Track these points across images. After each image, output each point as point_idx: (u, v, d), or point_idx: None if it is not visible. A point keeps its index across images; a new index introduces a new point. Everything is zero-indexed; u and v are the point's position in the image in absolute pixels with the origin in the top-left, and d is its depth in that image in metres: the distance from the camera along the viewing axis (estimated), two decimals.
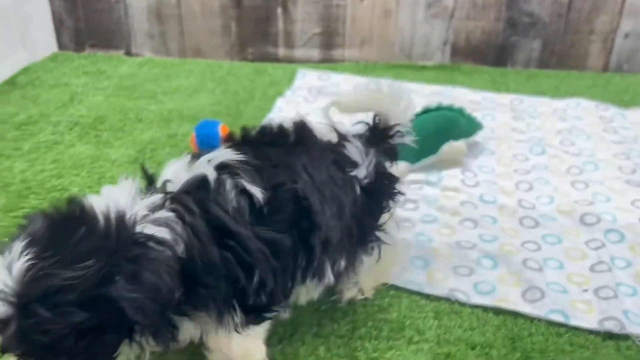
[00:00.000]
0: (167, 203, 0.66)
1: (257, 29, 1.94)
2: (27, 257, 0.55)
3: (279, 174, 0.72)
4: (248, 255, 0.67)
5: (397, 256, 0.97)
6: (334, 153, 0.80)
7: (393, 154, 0.90)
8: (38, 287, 0.55)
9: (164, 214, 0.65)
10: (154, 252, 0.61)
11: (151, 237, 0.62)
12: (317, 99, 1.65)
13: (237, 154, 0.73)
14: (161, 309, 0.60)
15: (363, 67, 1.89)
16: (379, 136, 0.88)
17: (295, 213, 0.72)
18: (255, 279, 0.68)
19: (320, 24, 1.91)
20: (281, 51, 1.96)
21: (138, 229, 0.62)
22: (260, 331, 0.76)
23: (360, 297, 0.92)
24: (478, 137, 1.39)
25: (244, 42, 1.96)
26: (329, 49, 1.94)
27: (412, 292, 0.95)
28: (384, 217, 0.87)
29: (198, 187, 0.69)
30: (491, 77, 1.82)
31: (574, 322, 0.89)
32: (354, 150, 0.82)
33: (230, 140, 0.78)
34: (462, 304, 0.93)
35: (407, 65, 1.90)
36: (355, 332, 0.87)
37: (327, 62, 1.95)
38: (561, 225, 1.12)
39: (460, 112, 1.36)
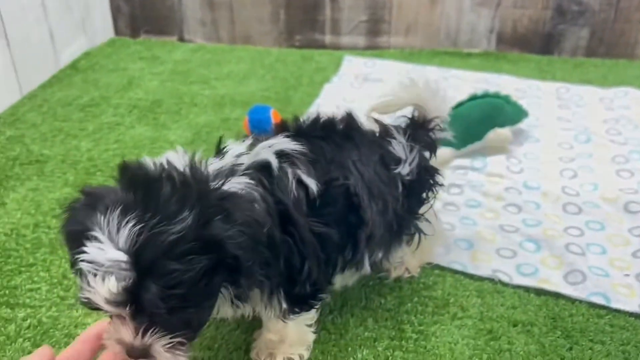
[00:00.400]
0: (240, 171, 0.68)
1: (305, 16, 1.99)
2: (132, 223, 0.56)
3: (332, 169, 0.75)
4: (303, 245, 0.69)
5: (438, 238, 1.01)
6: (380, 149, 0.83)
7: (433, 148, 0.92)
8: (158, 245, 0.55)
9: (241, 179, 0.67)
10: (238, 194, 0.64)
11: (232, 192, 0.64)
12: (363, 86, 1.69)
13: (295, 144, 0.74)
14: (254, 243, 0.61)
15: (408, 54, 1.92)
16: (419, 130, 0.90)
17: (345, 208, 0.75)
18: (305, 268, 0.70)
19: (366, 11, 1.94)
20: (328, 38, 2.00)
21: (215, 184, 0.64)
22: (311, 316, 0.79)
23: (407, 275, 0.97)
24: (523, 124, 1.41)
25: (292, 29, 2.01)
26: (375, 36, 1.98)
27: (456, 272, 1.00)
28: (424, 208, 0.91)
29: (261, 169, 0.70)
30: (537, 66, 1.82)
31: (615, 305, 0.91)
32: (398, 147, 0.85)
33: (283, 129, 0.80)
34: (505, 284, 0.97)
35: (452, 53, 1.92)
36: (402, 307, 0.92)
37: (372, 49, 1.98)
38: (604, 212, 1.14)
39: (506, 99, 1.38)
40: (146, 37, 2.11)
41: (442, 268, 1.00)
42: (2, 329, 0.84)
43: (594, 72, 1.76)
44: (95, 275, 0.55)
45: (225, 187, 0.64)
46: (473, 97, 1.36)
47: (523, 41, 1.89)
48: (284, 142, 0.74)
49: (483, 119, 1.33)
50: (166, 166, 0.64)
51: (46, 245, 1.02)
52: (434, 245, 1.01)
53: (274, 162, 0.70)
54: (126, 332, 0.59)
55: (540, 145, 1.38)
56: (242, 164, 0.70)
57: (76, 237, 0.58)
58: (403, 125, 0.91)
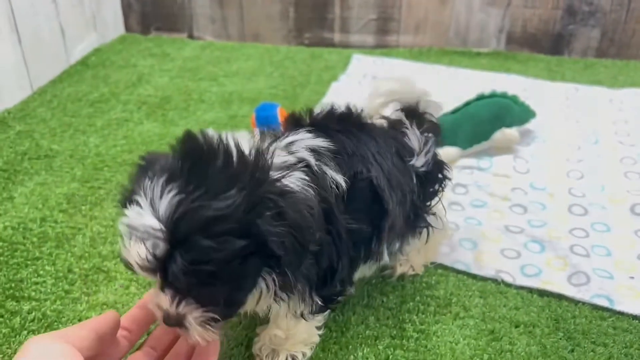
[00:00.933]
0: (298, 165, 0.67)
1: (314, 14, 1.99)
2: (173, 192, 0.56)
3: (354, 162, 0.74)
4: (340, 244, 0.69)
5: (444, 235, 1.01)
6: (395, 141, 0.84)
7: (437, 130, 0.93)
8: (195, 219, 0.55)
9: (298, 174, 0.65)
10: (297, 192, 0.62)
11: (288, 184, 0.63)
12: (371, 84, 1.69)
13: (321, 140, 0.73)
14: (302, 248, 0.60)
15: (417, 53, 1.91)
16: (417, 116, 0.91)
17: (370, 201, 0.75)
18: (340, 266, 0.70)
19: (376, 10, 1.94)
20: (337, 36, 2.01)
21: (276, 175, 0.62)
22: (321, 318, 0.80)
23: (411, 272, 0.98)
24: (531, 125, 1.40)
25: (301, 27, 2.01)
26: (384, 34, 1.97)
27: (459, 272, 0.99)
28: (434, 201, 0.92)
29: (305, 167, 0.68)
30: (547, 66, 1.81)
31: (618, 307, 0.91)
32: (413, 137, 0.86)
33: (297, 121, 0.79)
34: (508, 285, 0.96)
35: (461, 52, 1.92)
36: (404, 306, 0.92)
37: (381, 47, 1.98)
38: (611, 214, 1.13)
39: (514, 99, 1.37)
40: (156, 34, 2.12)
41: (446, 267, 1.00)
42: (8, 321, 0.86)
43: (604, 73, 1.75)
44: (130, 238, 0.56)
45: (285, 181, 0.63)
46: (481, 97, 1.36)
47: (533, 41, 1.88)
48: (309, 139, 0.73)
49: (490, 119, 1.33)
50: (230, 142, 0.62)
51: (52, 239, 1.04)
52: (440, 243, 1.01)
53: (312, 160, 0.69)
54: (163, 299, 0.61)
55: (548, 146, 1.38)
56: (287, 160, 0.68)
57: (125, 199, 0.60)
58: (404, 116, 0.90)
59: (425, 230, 0.92)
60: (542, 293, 0.95)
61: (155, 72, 1.78)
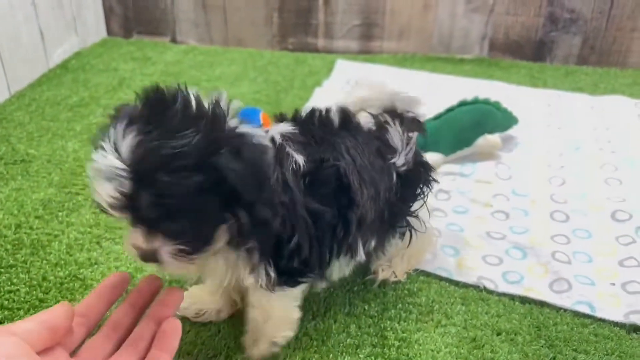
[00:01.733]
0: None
1: (298, 20, 1.98)
2: (132, 134, 0.60)
3: (322, 150, 0.77)
4: (294, 217, 0.71)
5: (428, 243, 1.01)
6: (377, 141, 0.85)
7: (419, 125, 0.93)
8: (154, 157, 0.59)
9: (257, 131, 0.69)
10: (253, 139, 0.66)
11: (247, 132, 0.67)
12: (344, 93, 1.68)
13: (291, 127, 0.78)
14: (259, 186, 0.65)
15: (401, 59, 1.92)
16: (399, 115, 0.91)
17: (335, 189, 0.76)
18: (293, 241, 0.72)
19: (359, 15, 1.94)
20: (321, 42, 2.00)
21: (232, 123, 0.66)
22: (296, 294, 0.80)
23: (393, 278, 0.97)
24: (513, 131, 1.41)
25: (285, 32, 2.01)
26: (368, 40, 1.97)
27: (441, 279, 0.99)
28: (417, 204, 0.92)
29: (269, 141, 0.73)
30: (529, 72, 1.82)
31: (599, 314, 0.91)
32: (395, 135, 0.87)
33: (278, 118, 0.83)
34: (490, 292, 0.96)
35: (444, 58, 1.92)
36: (385, 313, 0.91)
37: (365, 53, 1.98)
38: (592, 221, 1.13)
39: (496, 105, 1.37)
40: (139, 38, 2.10)
41: (428, 274, 1.00)
42: None
43: (585, 80, 1.76)
44: (98, 180, 0.61)
45: (240, 129, 0.66)
46: (463, 103, 1.36)
47: (515, 48, 1.89)
48: (282, 126, 0.78)
49: (473, 125, 1.33)
50: (190, 94, 0.66)
51: (27, 246, 1.01)
52: (424, 250, 1.01)
53: (278, 137, 0.74)
54: (136, 237, 0.64)
55: (530, 152, 1.38)
56: None
57: (94, 146, 0.63)
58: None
59: (407, 233, 0.92)
60: (523, 300, 0.94)
61: (136, 76, 1.76)
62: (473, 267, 1.01)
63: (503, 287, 0.96)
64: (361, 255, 0.84)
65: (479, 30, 1.89)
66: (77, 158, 1.30)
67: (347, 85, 1.71)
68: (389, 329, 0.88)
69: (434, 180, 0.93)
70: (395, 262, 0.97)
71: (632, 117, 1.52)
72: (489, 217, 1.15)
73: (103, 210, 0.64)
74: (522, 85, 1.71)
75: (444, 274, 0.99)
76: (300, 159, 0.73)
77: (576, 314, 0.91)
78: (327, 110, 0.84)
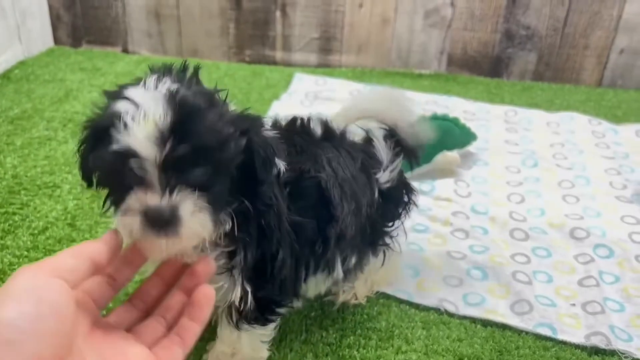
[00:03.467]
0: None
1: (255, 31, 1.94)
2: (169, 83, 0.59)
3: (302, 160, 0.74)
4: (279, 231, 0.69)
5: (394, 267, 0.98)
6: (362, 154, 0.83)
7: (414, 155, 0.93)
8: (194, 103, 0.58)
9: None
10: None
11: None
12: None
13: (273, 132, 0.73)
14: (271, 167, 0.65)
15: (360, 73, 1.89)
16: (396, 143, 0.90)
17: (316, 202, 0.74)
18: (280, 257, 0.69)
19: (318, 29, 1.91)
20: (279, 54, 1.96)
21: None
22: (266, 333, 0.77)
23: (353, 301, 0.93)
24: (472, 147, 1.40)
25: (242, 44, 1.96)
26: (327, 54, 1.95)
27: (401, 301, 0.96)
28: (395, 225, 0.90)
29: None
30: (486, 88, 1.83)
31: (561, 337, 0.89)
32: (382, 151, 0.86)
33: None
34: (451, 315, 0.93)
35: (403, 73, 1.91)
36: (344, 340, 0.87)
37: (324, 66, 1.95)
38: (551, 239, 1.12)
39: (455, 122, 1.36)
40: (88, 48, 2.02)
41: (388, 297, 0.96)
42: None
43: (541, 96, 1.78)
44: (134, 117, 0.55)
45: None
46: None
47: (473, 63, 1.90)
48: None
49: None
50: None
51: None
52: (389, 275, 0.97)
53: None
54: (152, 196, 0.57)
55: (489, 169, 1.37)
56: None
57: (110, 98, 0.60)
58: (383, 133, 0.90)
59: (383, 252, 0.91)
60: (485, 323, 0.92)
61: (84, 88, 1.68)
62: (433, 289, 0.98)
63: (464, 310, 0.94)
64: (339, 272, 0.81)
65: (437, 46, 1.89)
66: (15, 175, 1.22)
67: (305, 99, 1.67)
68: (347, 357, 0.84)
69: (414, 203, 0.92)
70: (358, 284, 0.93)
71: (587, 133, 1.54)
72: (448, 235, 1.13)
73: (123, 158, 0.56)
74: (479, 101, 1.71)
75: (404, 296, 0.96)
76: (280, 164, 0.69)
77: (538, 336, 0.90)
78: (309, 119, 0.82)
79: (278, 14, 1.90)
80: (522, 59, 1.87)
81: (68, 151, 1.33)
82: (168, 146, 0.55)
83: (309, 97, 1.69)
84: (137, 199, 0.57)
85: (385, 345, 0.86)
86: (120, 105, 0.57)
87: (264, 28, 1.93)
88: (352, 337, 0.87)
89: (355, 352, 0.84)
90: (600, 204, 1.24)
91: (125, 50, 2.01)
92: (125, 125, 0.55)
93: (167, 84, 0.59)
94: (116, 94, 0.59)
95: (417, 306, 0.95)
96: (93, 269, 0.55)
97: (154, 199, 0.57)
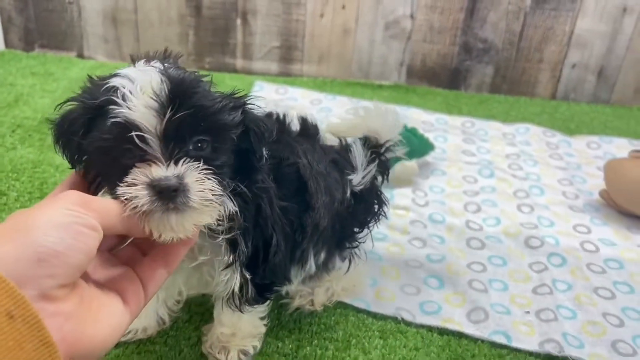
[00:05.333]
0: None
1: (215, 39, 1.92)
2: (159, 63, 0.61)
3: (280, 148, 0.75)
4: (271, 216, 0.71)
5: (359, 279, 0.98)
6: (336, 154, 0.86)
7: (385, 169, 0.96)
8: (190, 77, 0.60)
9: None
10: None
11: None
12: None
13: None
14: (263, 138, 0.66)
15: (321, 83, 1.89)
16: (373, 152, 0.93)
17: (296, 190, 0.76)
18: (274, 241, 0.71)
19: (279, 37, 1.90)
20: (239, 62, 1.95)
21: None
22: (262, 310, 0.82)
23: (309, 307, 0.92)
24: (430, 157, 1.41)
25: (202, 51, 1.93)
26: (288, 63, 1.94)
27: (359, 310, 0.95)
28: (363, 233, 0.93)
29: None
30: (444, 100, 1.85)
31: (515, 344, 0.90)
32: (358, 154, 0.88)
33: None
34: (408, 324, 0.93)
35: (364, 84, 1.92)
36: (300, 351, 0.85)
37: (285, 75, 1.94)
38: (506, 247, 1.14)
39: (413, 132, 1.37)
40: (41, 52, 1.95)
41: (345, 306, 0.96)
42: None
43: (497, 108, 1.81)
44: (132, 90, 0.56)
45: None
46: None
47: (431, 75, 1.93)
48: None
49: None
50: None
51: None
52: (350, 288, 0.97)
53: None
54: (157, 168, 0.56)
55: (446, 179, 1.39)
56: None
57: (98, 88, 0.59)
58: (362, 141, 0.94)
59: (349, 258, 0.93)
60: (442, 331, 0.92)
61: (36, 93, 1.62)
62: (391, 298, 0.98)
63: (421, 319, 0.94)
64: (311, 266, 0.84)
65: (397, 57, 1.91)
66: None
67: (266, 108, 1.66)
68: None
69: (384, 214, 0.95)
70: (318, 291, 0.93)
71: (541, 144, 1.58)
72: (406, 244, 1.13)
73: (124, 131, 0.56)
74: (438, 112, 1.73)
75: (361, 305, 0.95)
76: (265, 153, 0.69)
77: (493, 344, 0.90)
78: (285, 115, 0.86)
79: (239, 21, 1.89)
80: (480, 72, 1.90)
81: (16, 158, 1.28)
82: (168, 115, 0.56)
83: (269, 105, 1.68)
84: (142, 172, 0.56)
85: (342, 355, 0.85)
86: (116, 81, 0.57)
87: (224, 36, 1.92)
88: (308, 348, 0.86)
89: None
90: (553, 213, 1.26)
91: (80, 56, 1.96)
92: (124, 97, 0.56)
93: (157, 64, 0.60)
94: (105, 77, 0.60)
95: (374, 315, 0.94)
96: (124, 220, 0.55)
97: (159, 171, 0.56)
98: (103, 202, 0.54)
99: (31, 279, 0.45)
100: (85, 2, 1.88)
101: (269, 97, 1.73)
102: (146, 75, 0.57)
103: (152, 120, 0.56)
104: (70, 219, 0.49)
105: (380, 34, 1.88)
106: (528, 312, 0.97)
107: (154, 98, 0.56)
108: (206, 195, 0.57)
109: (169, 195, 0.55)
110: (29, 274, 0.45)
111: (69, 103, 0.62)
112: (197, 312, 0.91)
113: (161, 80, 0.57)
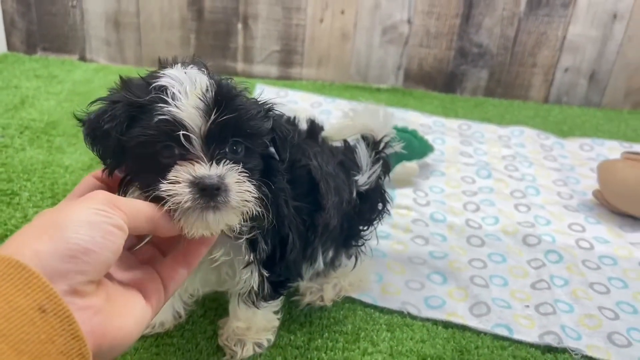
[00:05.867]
0: None
1: (216, 42, 1.95)
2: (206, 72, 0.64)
3: (293, 151, 0.77)
4: (286, 215, 0.73)
5: (365, 275, 1.02)
6: (342, 156, 0.90)
7: (387, 167, 0.99)
8: (232, 85, 0.64)
9: None
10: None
11: None
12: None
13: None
14: (286, 142, 0.70)
15: (320, 87, 1.93)
16: (374, 150, 0.96)
17: (308, 190, 0.79)
18: (290, 239, 0.74)
19: (279, 41, 1.94)
20: (240, 66, 1.98)
21: None
22: (276, 304, 0.85)
23: (319, 303, 0.96)
24: (429, 158, 1.45)
25: (203, 55, 1.96)
26: (288, 66, 1.98)
27: (366, 305, 0.98)
28: (369, 229, 0.96)
29: None
30: (441, 103, 1.90)
31: (517, 336, 0.94)
32: (363, 155, 0.91)
33: None
34: (414, 317, 0.97)
35: (362, 87, 1.96)
36: (312, 343, 0.89)
37: (285, 79, 1.98)
38: (505, 245, 1.18)
39: (413, 134, 1.41)
40: (43, 55, 1.98)
41: (353, 301, 0.99)
42: None
43: (492, 111, 1.86)
44: (179, 90, 0.59)
45: None
46: None
47: (428, 79, 1.98)
48: None
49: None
50: None
51: None
52: (357, 284, 1.01)
53: None
54: (200, 167, 0.59)
55: (445, 179, 1.43)
56: None
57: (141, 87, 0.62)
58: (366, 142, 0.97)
59: (355, 255, 0.96)
60: (446, 325, 0.96)
61: (41, 95, 1.65)
62: (396, 293, 1.02)
63: (426, 312, 0.97)
64: (320, 263, 0.87)
65: (394, 61, 1.96)
66: None
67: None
68: (316, 359, 0.86)
69: (388, 212, 0.98)
70: (326, 288, 0.96)
71: (536, 146, 1.63)
72: (409, 242, 1.17)
73: (167, 132, 0.59)
74: (435, 115, 1.78)
75: (368, 300, 0.99)
76: (276, 155, 0.72)
77: (495, 336, 0.94)
78: (295, 117, 0.89)
79: (240, 26, 1.92)
80: (475, 76, 1.95)
81: (26, 158, 1.30)
82: (213, 116, 0.59)
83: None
84: (185, 170, 0.59)
85: (351, 347, 0.89)
86: (164, 80, 0.60)
87: (225, 39, 1.95)
88: (319, 340, 0.89)
89: (324, 355, 0.87)
90: (549, 212, 1.31)
91: (82, 59, 1.99)
92: (173, 96, 0.58)
93: (194, 69, 0.63)
94: (149, 77, 0.63)
95: (381, 309, 0.98)
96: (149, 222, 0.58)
97: (202, 169, 0.59)
98: (131, 202, 0.56)
99: (63, 274, 0.47)
100: (88, 5, 1.91)
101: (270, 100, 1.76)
102: (194, 77, 0.60)
103: (198, 121, 0.59)
104: (99, 218, 0.51)
105: (378, 38, 1.93)
106: (528, 306, 1.01)
107: (202, 99, 0.59)
108: (244, 196, 0.61)
109: (211, 194, 0.58)
110: (61, 270, 0.47)
111: (99, 101, 0.65)
112: (211, 308, 0.94)
113: (208, 82, 0.60)
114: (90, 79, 1.80)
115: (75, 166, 1.29)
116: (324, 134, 0.94)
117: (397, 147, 1.01)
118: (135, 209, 0.56)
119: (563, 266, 1.12)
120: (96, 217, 0.51)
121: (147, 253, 0.64)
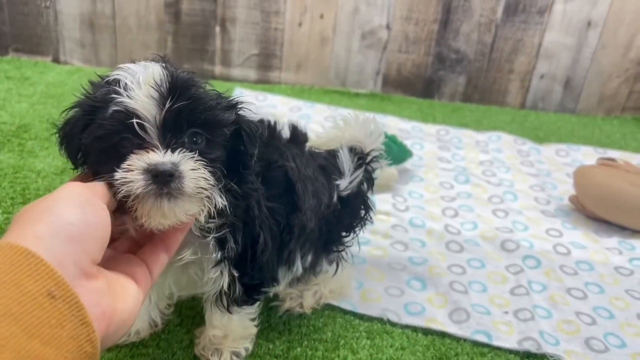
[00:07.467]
0: None
1: (194, 45, 1.93)
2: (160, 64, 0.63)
3: (269, 152, 0.78)
4: (260, 215, 0.73)
5: (347, 282, 1.01)
6: (324, 159, 0.89)
7: (370, 180, 0.98)
8: (188, 75, 0.63)
9: None
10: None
11: None
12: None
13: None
14: (255, 138, 0.69)
15: (299, 91, 1.92)
16: (359, 158, 0.95)
17: (284, 191, 0.79)
18: (261, 240, 0.73)
19: (258, 45, 1.93)
20: (218, 69, 1.96)
21: None
22: (253, 311, 0.83)
23: (298, 309, 0.94)
24: (408, 164, 1.45)
25: (180, 58, 1.94)
26: (266, 70, 1.96)
27: (346, 312, 0.98)
28: (350, 237, 0.95)
29: None
30: (419, 108, 1.90)
31: (496, 343, 0.94)
32: (345, 160, 0.90)
33: None
34: (394, 324, 0.96)
35: (341, 92, 1.96)
36: (291, 352, 0.88)
37: (263, 83, 1.97)
38: (484, 251, 1.18)
39: (392, 139, 1.41)
40: (15, 56, 1.93)
41: (333, 308, 0.98)
42: None
43: (470, 117, 1.87)
44: (132, 82, 0.59)
45: None
46: None
47: (406, 84, 1.98)
48: None
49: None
50: None
51: None
52: (338, 292, 1.00)
53: None
54: (154, 154, 0.59)
55: (424, 185, 1.43)
56: None
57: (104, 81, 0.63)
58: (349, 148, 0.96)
59: (336, 261, 0.95)
60: (426, 331, 0.95)
61: (12, 97, 1.60)
62: (376, 299, 1.01)
63: (406, 319, 0.97)
64: (298, 267, 0.86)
65: (373, 66, 1.96)
66: None
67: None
68: None
69: (370, 218, 0.97)
70: (306, 294, 0.95)
71: (513, 151, 1.64)
72: (389, 248, 1.16)
73: (124, 121, 0.59)
74: (413, 120, 1.78)
75: (348, 307, 0.98)
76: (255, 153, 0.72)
77: (475, 343, 0.94)
78: (276, 122, 0.88)
79: (217, 29, 1.90)
80: (453, 81, 1.97)
81: None
82: (167, 105, 0.59)
83: (248, 112, 1.69)
84: (139, 158, 0.59)
85: (331, 355, 0.88)
86: (118, 74, 0.60)
87: (202, 42, 1.93)
88: (299, 349, 0.88)
89: None
90: (527, 218, 1.32)
91: (56, 60, 1.94)
92: (125, 87, 0.58)
93: (157, 62, 0.64)
94: (105, 76, 0.64)
95: (361, 316, 0.97)
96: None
97: (156, 157, 0.59)
98: (99, 185, 0.59)
99: (69, 256, 0.48)
100: (62, 6, 1.87)
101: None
102: (148, 69, 0.61)
103: (152, 110, 0.59)
104: (84, 198, 0.53)
105: (357, 43, 1.92)
106: (507, 312, 1.01)
107: (155, 88, 0.59)
108: (199, 184, 0.61)
109: (164, 180, 0.59)
110: (67, 251, 0.48)
111: (73, 109, 0.64)
112: (188, 316, 0.92)
113: (162, 73, 0.60)
114: (64, 81, 1.76)
115: (47, 171, 1.26)
116: (310, 143, 0.93)
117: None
118: (104, 191, 0.59)
119: (541, 271, 1.13)
120: (81, 198, 0.53)
121: (125, 246, 0.65)
